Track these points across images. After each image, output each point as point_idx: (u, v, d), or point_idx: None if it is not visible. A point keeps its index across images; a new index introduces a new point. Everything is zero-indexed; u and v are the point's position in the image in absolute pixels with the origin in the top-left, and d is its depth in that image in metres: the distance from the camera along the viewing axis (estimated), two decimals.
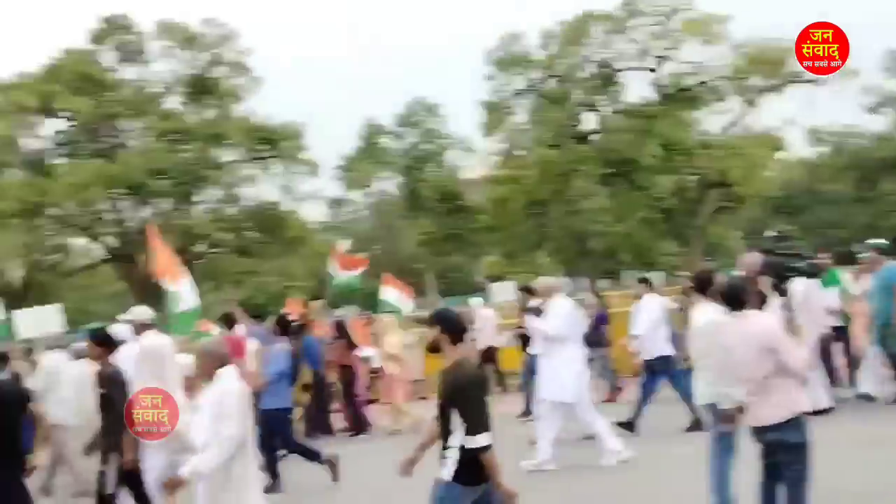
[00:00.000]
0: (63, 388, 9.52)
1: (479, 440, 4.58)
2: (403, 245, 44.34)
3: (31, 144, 33.36)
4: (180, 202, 34.86)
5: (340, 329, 13.20)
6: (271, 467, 8.91)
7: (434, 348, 4.88)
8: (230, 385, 5.23)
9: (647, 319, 10.45)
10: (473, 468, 4.65)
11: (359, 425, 12.71)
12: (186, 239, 35.00)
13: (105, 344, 7.03)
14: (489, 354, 15.19)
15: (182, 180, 33.24)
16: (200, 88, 34.14)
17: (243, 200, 36.25)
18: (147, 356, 7.57)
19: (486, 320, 15.57)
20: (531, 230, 35.50)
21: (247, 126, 33.95)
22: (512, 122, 35.18)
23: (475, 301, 17.05)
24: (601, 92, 33.92)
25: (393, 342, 12.45)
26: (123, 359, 8.12)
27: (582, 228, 34.12)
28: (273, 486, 8.77)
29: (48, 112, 32.28)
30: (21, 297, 30.81)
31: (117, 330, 10.68)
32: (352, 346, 13.03)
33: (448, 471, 4.69)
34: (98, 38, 33.31)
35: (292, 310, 12.13)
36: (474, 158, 44.54)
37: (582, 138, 34.31)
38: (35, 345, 12.32)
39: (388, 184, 47.47)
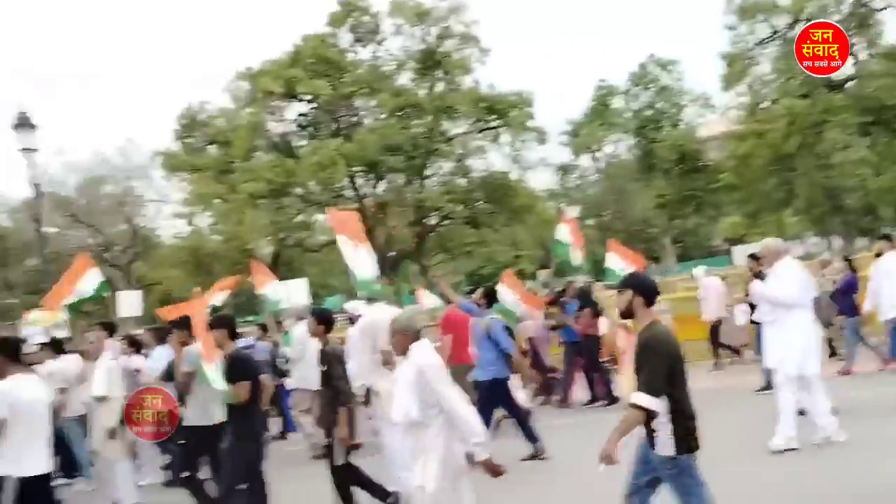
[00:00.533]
0: (310, 356, 9.99)
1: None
2: (636, 209, 42.96)
3: (277, 128, 35.55)
4: (413, 176, 35.80)
5: (585, 297, 12.79)
6: (529, 434, 8.95)
7: (626, 314, 4.79)
8: (426, 359, 5.08)
9: (886, 279, 9.23)
10: (689, 433, 4.56)
11: (608, 395, 12.28)
12: (419, 212, 36.03)
13: (325, 322, 7.25)
14: (715, 327, 14.10)
15: (414, 154, 34.09)
16: (430, 63, 34.63)
17: (473, 171, 36.59)
18: (364, 331, 7.62)
19: (712, 289, 14.37)
20: (776, 188, 33.03)
21: (475, 97, 34.08)
22: (755, 73, 32.84)
23: (698, 270, 15.77)
24: (857, 34, 30.69)
25: None
26: (352, 332, 8.77)
27: (835, 184, 31.18)
28: (537, 451, 8.81)
29: (291, 96, 34.16)
30: (271, 271, 33.10)
31: (353, 305, 11.23)
32: (597, 314, 12.54)
33: (667, 444, 4.54)
34: (335, 20, 34.65)
35: (507, 282, 11.85)
36: (713, 115, 42.24)
37: (835, 86, 31.30)
38: (284, 316, 12.96)
39: (620, 146, 46.24)
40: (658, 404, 4.47)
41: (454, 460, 4.95)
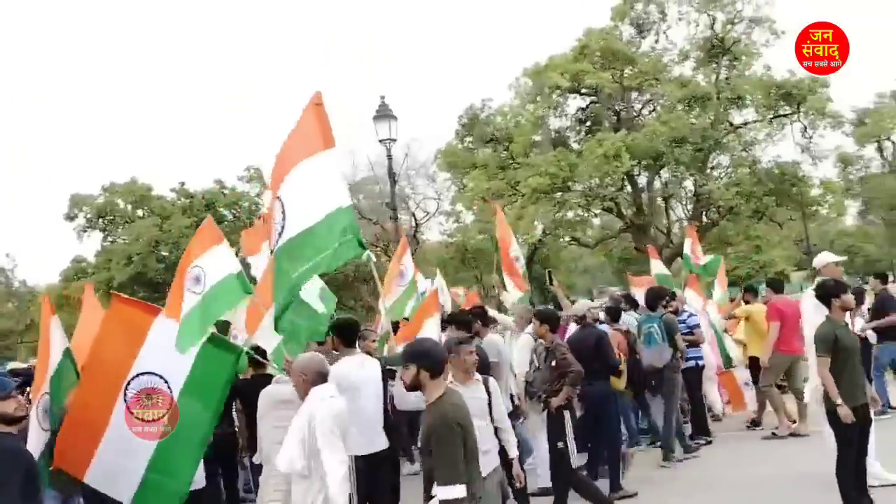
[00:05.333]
0: None
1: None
2: None
3: (555, 123, 35.48)
4: (695, 169, 34.54)
5: None
6: None
7: (413, 387, 4.42)
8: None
9: None
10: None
11: None
12: (698, 206, 34.73)
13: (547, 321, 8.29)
14: None
15: (700, 146, 32.77)
16: (716, 50, 33.29)
17: (758, 163, 34.74)
18: None
19: None
20: None
21: (767, 84, 32.28)
22: None
23: None
24: None
25: None
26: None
27: None
28: None
29: (574, 90, 33.91)
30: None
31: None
32: None
33: None
34: (618, 14, 34.16)
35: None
36: None
37: None
38: None
39: None
40: (462, 489, 4.10)
41: None
